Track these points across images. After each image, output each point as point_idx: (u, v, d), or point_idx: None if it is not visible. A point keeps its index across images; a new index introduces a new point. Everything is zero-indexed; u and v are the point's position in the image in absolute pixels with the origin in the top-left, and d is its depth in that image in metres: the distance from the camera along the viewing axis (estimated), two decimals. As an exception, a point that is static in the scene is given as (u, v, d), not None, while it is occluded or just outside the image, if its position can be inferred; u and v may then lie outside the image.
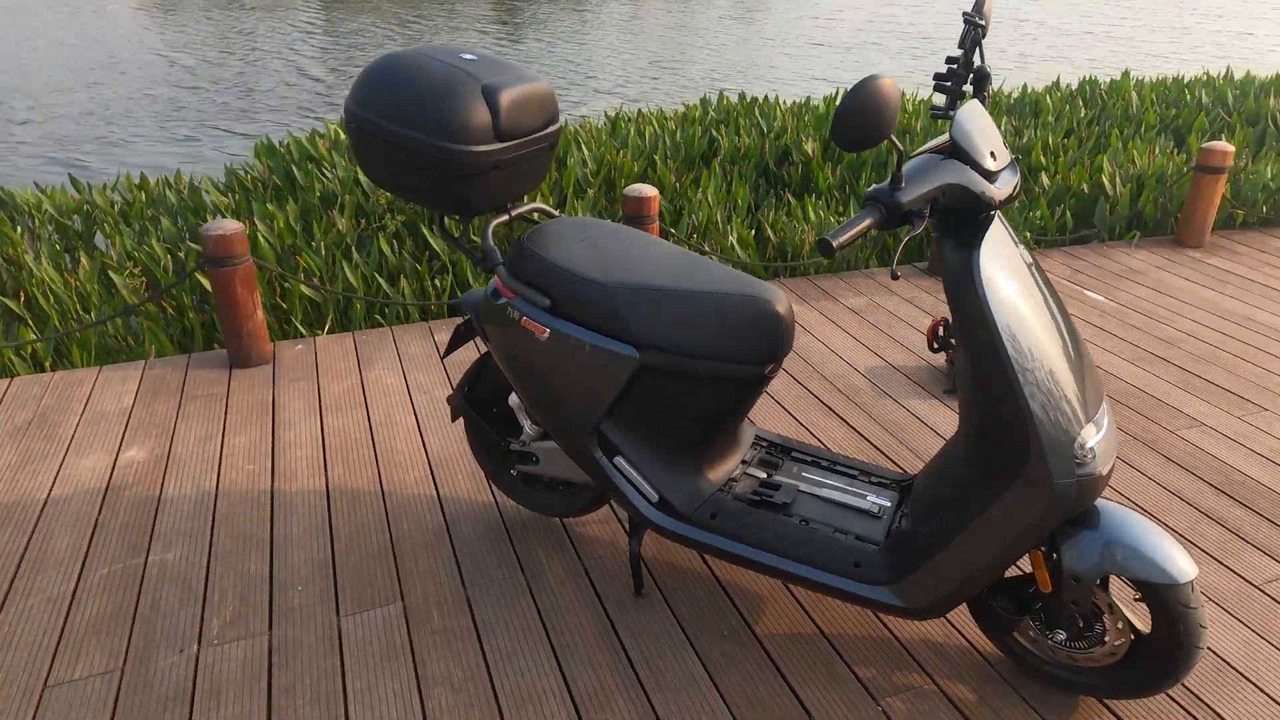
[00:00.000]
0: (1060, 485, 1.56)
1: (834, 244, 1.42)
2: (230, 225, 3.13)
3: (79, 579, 2.23)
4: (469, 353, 3.43)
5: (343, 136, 5.77)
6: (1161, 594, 1.65)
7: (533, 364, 1.99)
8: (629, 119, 6.43)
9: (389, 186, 2.00)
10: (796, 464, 2.16)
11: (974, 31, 1.69)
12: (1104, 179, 5.12)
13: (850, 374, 3.32)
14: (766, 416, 3.02)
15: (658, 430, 1.97)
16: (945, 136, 1.58)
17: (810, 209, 4.81)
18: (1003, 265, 1.57)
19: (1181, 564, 1.64)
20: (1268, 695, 1.92)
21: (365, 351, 3.44)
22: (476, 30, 15.39)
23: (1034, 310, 1.59)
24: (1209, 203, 4.56)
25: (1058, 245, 4.76)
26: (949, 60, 1.73)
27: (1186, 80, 7.75)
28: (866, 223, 1.46)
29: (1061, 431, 1.55)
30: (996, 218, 1.63)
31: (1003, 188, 1.57)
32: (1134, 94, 7.02)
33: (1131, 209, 4.85)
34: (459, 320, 3.74)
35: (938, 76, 1.74)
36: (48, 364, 3.55)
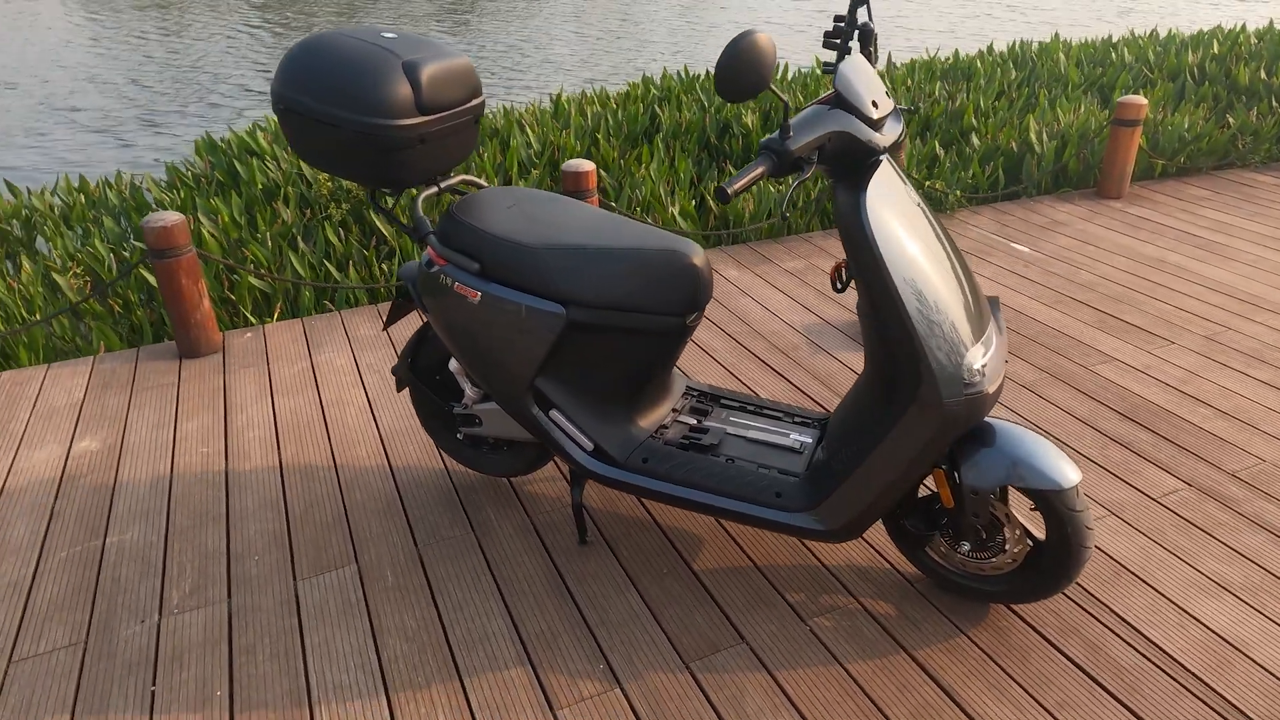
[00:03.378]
0: (950, 404, 1.70)
1: (729, 191, 1.54)
2: (171, 217, 3.17)
3: (38, 563, 2.29)
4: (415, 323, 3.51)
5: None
6: (1050, 500, 1.80)
7: (467, 328, 2.09)
8: (570, 100, 6.49)
9: (319, 164, 2.07)
10: (725, 410, 2.28)
11: None
12: (1031, 137, 5.32)
13: (787, 332, 3.46)
14: (708, 374, 3.14)
15: (589, 382, 2.08)
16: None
17: (749, 179, 4.93)
18: (890, 206, 1.70)
19: (1066, 471, 1.79)
20: (1159, 593, 2.10)
21: (315, 336, 3.51)
22: (430, 18, 15.27)
23: (921, 246, 1.72)
24: (1126, 154, 4.77)
25: (988, 202, 4.94)
26: (837, 19, 1.85)
27: (1114, 40, 8.00)
28: (759, 170, 1.58)
29: (948, 355, 1.69)
30: (885, 162, 1.75)
31: (886, 134, 1.70)
32: (1061, 55, 7.24)
33: (1056, 164, 5.05)
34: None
35: (827, 34, 1.85)
36: (-3, 366, 3.56)
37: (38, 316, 3.84)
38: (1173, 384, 3.00)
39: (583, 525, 2.27)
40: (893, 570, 2.19)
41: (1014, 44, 7.85)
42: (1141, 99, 4.62)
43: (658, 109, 6.28)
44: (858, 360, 3.22)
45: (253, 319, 3.76)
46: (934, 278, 1.70)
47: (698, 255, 2.00)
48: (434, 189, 2.17)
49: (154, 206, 4.82)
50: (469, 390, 2.32)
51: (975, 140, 5.41)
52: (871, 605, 2.08)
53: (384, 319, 3.63)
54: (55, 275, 3.96)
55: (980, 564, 1.98)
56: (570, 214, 2.12)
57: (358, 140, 1.96)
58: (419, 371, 2.43)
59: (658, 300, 1.97)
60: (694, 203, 4.70)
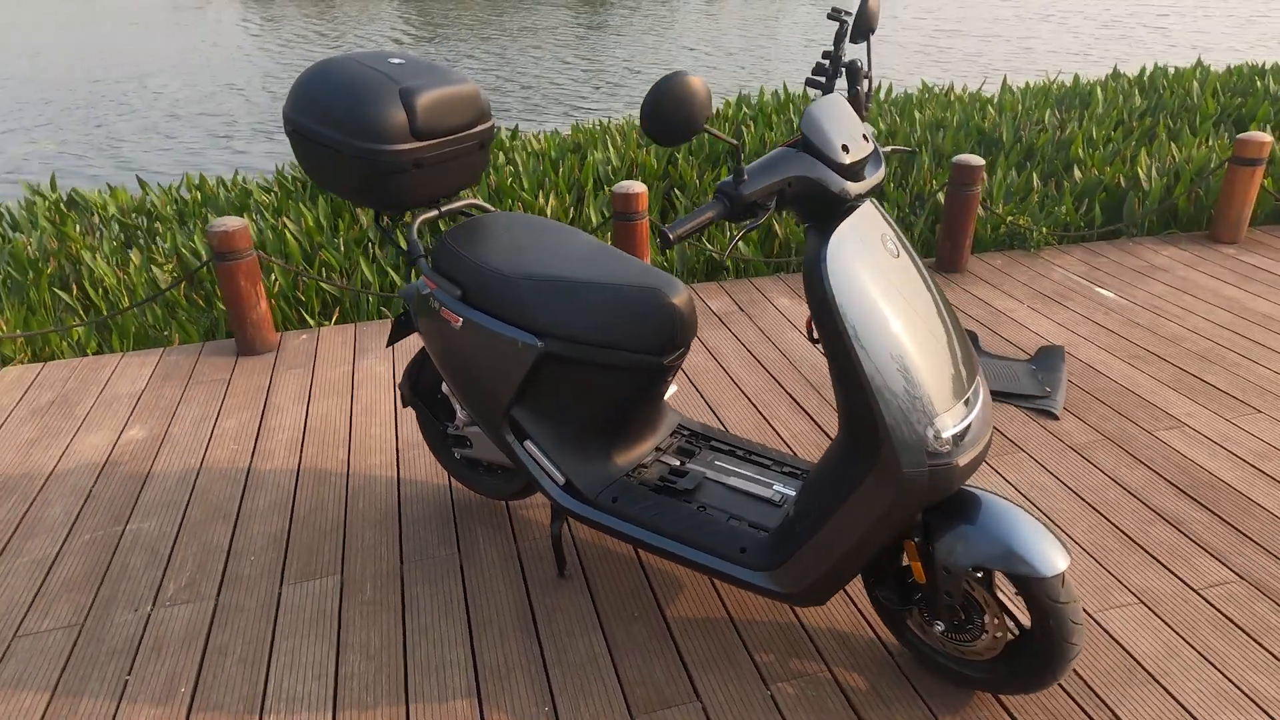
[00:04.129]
0: (911, 474, 1.57)
1: (671, 236, 1.47)
2: (233, 222, 3.35)
3: (64, 543, 2.45)
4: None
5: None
6: (1030, 587, 1.63)
7: (451, 352, 2.10)
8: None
9: (324, 185, 2.13)
10: (712, 452, 2.20)
11: (843, 27, 1.70)
12: (1139, 171, 4.92)
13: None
14: (735, 407, 3.05)
15: (563, 415, 2.05)
16: None
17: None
18: (860, 258, 1.59)
19: (1051, 557, 1.62)
20: (1176, 700, 1.87)
21: (363, 341, 3.63)
22: (556, 32, 15.69)
23: (895, 302, 1.59)
24: (1245, 196, 4.33)
25: (1085, 241, 4.60)
26: (825, 55, 1.75)
27: (1264, 67, 7.33)
28: (708, 215, 1.51)
29: (911, 422, 1.56)
30: (863, 209, 1.64)
31: (858, 181, 1.59)
32: (1195, 83, 6.67)
33: (1163, 203, 4.64)
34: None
35: (812, 73, 1.76)
36: (89, 350, 3.85)
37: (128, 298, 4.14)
38: (1248, 459, 2.68)
39: (561, 558, 2.24)
40: (875, 639, 2.04)
41: (1143, 69, 7.31)
42: (1266, 136, 4.19)
43: (745, 128, 6.19)
44: (895, 405, 3.05)
45: (310, 321, 3.93)
46: (904, 337, 1.58)
47: (678, 295, 1.94)
48: (434, 212, 2.19)
49: (253, 207, 5.13)
50: (460, 412, 2.33)
51: (1077, 173, 5.05)
52: (843, 676, 1.95)
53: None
54: (154, 267, 4.27)
55: (959, 647, 1.81)
56: (563, 244, 2.10)
57: (354, 163, 2.01)
58: (420, 389, 2.47)
59: (633, 338, 1.92)
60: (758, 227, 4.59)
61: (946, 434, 1.58)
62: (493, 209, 2.31)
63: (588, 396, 2.01)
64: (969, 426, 1.63)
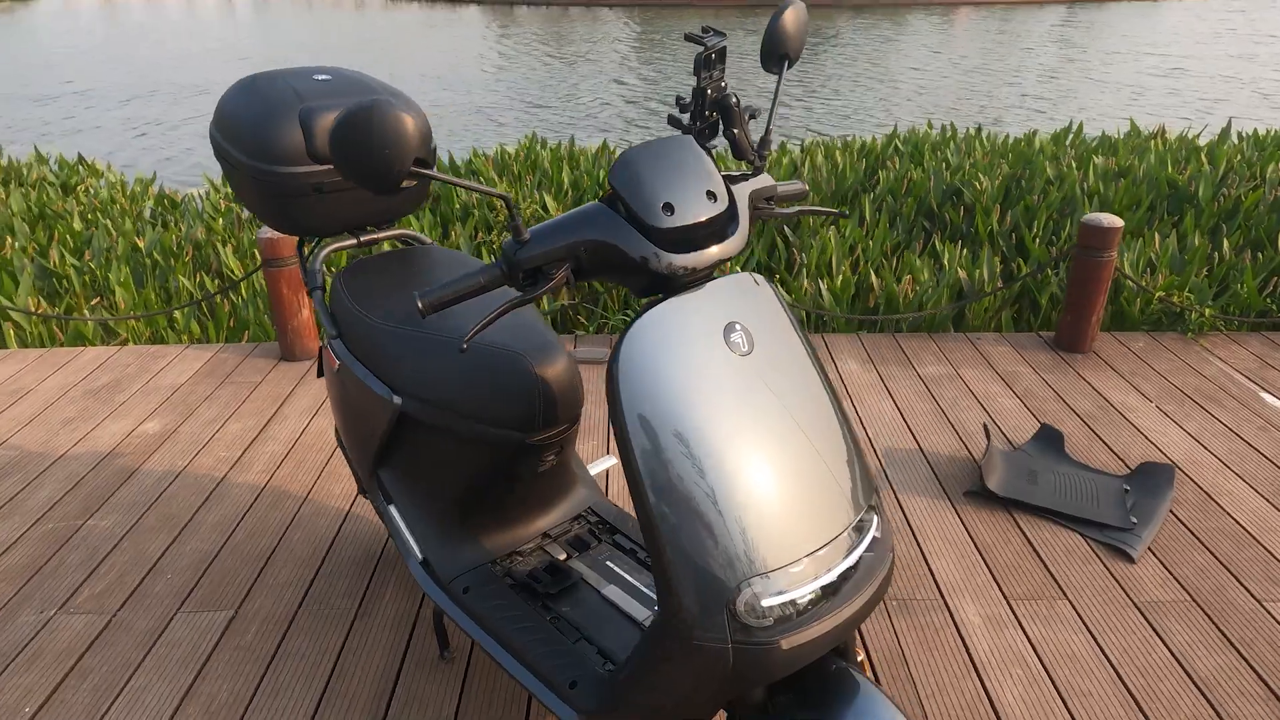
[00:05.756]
0: (708, 648, 1.16)
1: (422, 304, 1.18)
2: (280, 230, 3.40)
3: (27, 530, 2.53)
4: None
5: (508, 152, 6.07)
6: (883, 832, 1.17)
7: (334, 394, 1.91)
8: (811, 147, 6.05)
9: (244, 206, 2.03)
10: (612, 549, 1.85)
11: (703, 52, 1.31)
12: (1369, 248, 3.88)
13: (867, 453, 2.81)
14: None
15: (425, 485, 1.79)
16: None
17: (948, 256, 4.18)
18: (676, 353, 1.19)
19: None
20: None
21: (396, 360, 3.56)
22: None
23: (726, 412, 1.19)
24: None
25: (1271, 330, 3.68)
26: (701, 86, 1.36)
27: None
28: (476, 281, 1.20)
29: (710, 577, 1.15)
30: (720, 283, 1.26)
31: (688, 250, 1.20)
32: None
33: (1394, 290, 3.62)
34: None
35: (677, 108, 1.38)
36: (184, 338, 4.06)
37: (243, 293, 4.34)
38: (1401, 667, 1.92)
39: (444, 637, 1.98)
40: (754, 825, 1.60)
41: None
42: None
43: (889, 164, 5.62)
44: (923, 508, 2.51)
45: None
46: (724, 459, 1.17)
47: (548, 365, 1.62)
48: (352, 241, 2.02)
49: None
50: (367, 458, 2.14)
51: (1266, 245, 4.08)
52: None
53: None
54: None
55: None
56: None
57: (251, 183, 1.88)
58: (346, 426, 2.30)
59: (490, 409, 1.63)
60: (856, 276, 4.08)
61: (770, 600, 1.16)
62: (428, 241, 2.11)
63: (448, 468, 1.74)
64: (836, 581, 1.19)
